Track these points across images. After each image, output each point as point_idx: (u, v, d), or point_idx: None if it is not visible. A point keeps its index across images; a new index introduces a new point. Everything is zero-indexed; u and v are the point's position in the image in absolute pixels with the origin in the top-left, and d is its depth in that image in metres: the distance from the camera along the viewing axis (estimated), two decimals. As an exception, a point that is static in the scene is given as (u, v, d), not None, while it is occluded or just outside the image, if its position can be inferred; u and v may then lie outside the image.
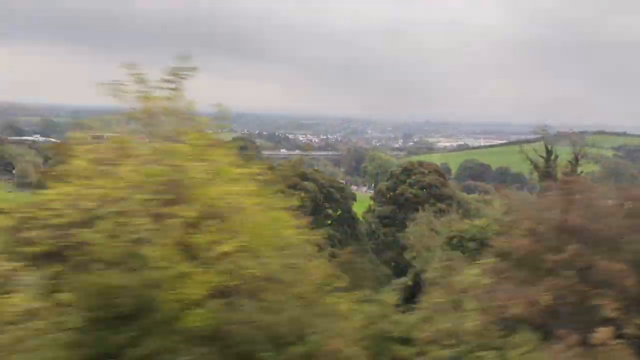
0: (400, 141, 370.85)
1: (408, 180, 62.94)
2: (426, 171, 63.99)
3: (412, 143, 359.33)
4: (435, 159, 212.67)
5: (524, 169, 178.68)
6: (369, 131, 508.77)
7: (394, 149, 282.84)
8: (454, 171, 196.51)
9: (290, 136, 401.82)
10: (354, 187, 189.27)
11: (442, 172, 68.84)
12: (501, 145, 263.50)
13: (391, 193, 64.38)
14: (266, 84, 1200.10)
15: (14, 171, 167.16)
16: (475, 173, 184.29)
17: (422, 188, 61.14)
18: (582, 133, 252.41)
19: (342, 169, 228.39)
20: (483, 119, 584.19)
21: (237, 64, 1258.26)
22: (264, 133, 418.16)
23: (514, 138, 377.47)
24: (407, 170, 64.85)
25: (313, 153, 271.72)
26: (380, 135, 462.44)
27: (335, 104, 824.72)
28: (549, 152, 69.60)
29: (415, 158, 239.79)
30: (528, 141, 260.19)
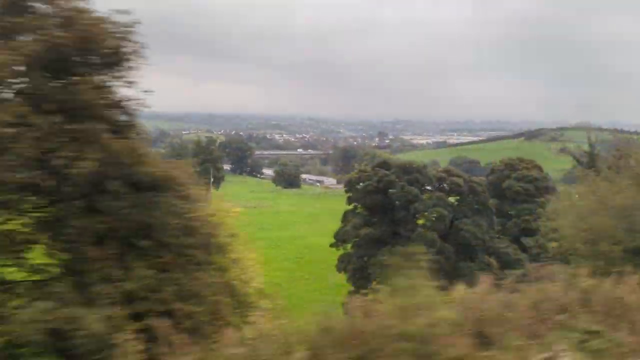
0: (376, 139, 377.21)
1: (513, 175, 66.94)
2: (529, 166, 68.81)
3: (387, 141, 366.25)
4: (423, 157, 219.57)
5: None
6: (342, 130, 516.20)
7: (374, 147, 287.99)
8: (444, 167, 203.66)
9: (268, 136, 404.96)
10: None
11: (541, 167, 72.44)
12: (481, 142, 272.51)
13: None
14: (236, 84, 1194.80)
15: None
16: (466, 169, 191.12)
17: (528, 181, 65.26)
18: (562, 129, 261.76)
19: (329, 167, 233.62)
20: (447, 117, 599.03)
21: (208, 65, 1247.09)
22: (240, 133, 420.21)
23: (485, 135, 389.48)
24: (510, 165, 69.06)
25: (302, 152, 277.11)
26: (353, 134, 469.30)
27: (304, 104, 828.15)
28: (592, 147, 75.53)
29: (400, 156, 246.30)
30: (506, 137, 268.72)
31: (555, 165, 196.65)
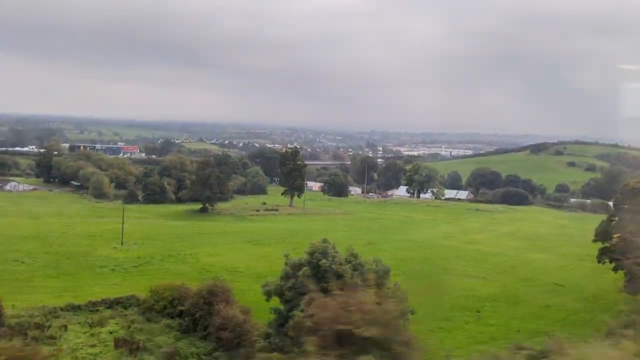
0: (367, 150, 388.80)
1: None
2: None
3: (380, 152, 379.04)
4: (443, 168, 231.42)
5: (534, 176, 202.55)
6: (322, 140, 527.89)
7: (392, 158, 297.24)
8: (464, 179, 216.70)
9: (257, 145, 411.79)
10: (371, 194, 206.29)
11: None
12: (488, 154, 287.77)
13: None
14: (212, 92, 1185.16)
15: (72, 182, 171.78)
16: (487, 181, 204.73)
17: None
18: (561, 143, 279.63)
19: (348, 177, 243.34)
20: (421, 129, 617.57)
21: (183, 72, 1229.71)
22: (226, 142, 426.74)
23: (462, 147, 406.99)
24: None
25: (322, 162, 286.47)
26: (333, 144, 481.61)
27: (280, 113, 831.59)
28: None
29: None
30: (511, 151, 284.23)
31: (564, 178, 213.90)
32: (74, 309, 45.15)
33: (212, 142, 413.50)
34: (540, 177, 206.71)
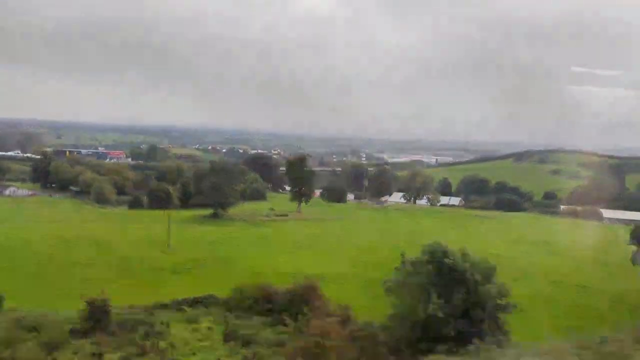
0: (349, 156, 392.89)
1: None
2: None
3: (364, 159, 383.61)
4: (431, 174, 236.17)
5: (519, 184, 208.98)
6: (300, 146, 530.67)
7: (381, 166, 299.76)
8: (454, 186, 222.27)
9: (240, 151, 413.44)
10: (365, 200, 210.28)
11: None
12: (470, 162, 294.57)
13: None
14: (189, 97, 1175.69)
15: (71, 187, 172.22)
16: (477, 188, 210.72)
17: None
18: (544, 151, 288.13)
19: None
20: (399, 135, 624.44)
21: (158, 77, 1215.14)
22: (209, 147, 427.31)
23: (443, 154, 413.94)
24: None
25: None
26: (314, 150, 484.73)
27: (256, 119, 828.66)
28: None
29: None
30: (496, 158, 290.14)
31: (549, 186, 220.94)
32: (162, 307, 47.75)
33: (195, 147, 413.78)
34: (526, 184, 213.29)
